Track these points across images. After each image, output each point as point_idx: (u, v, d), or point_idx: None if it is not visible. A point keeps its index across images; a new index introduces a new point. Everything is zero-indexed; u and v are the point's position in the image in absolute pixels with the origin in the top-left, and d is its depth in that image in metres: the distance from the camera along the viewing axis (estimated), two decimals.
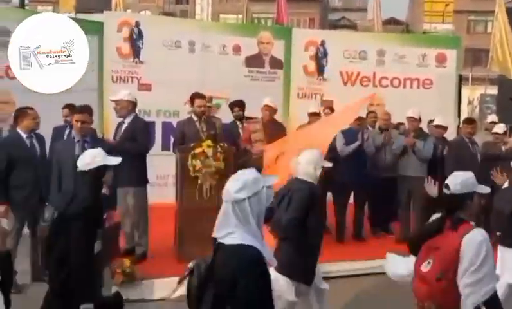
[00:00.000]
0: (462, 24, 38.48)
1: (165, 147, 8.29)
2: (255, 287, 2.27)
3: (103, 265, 3.97)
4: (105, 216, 3.86)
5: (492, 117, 9.02)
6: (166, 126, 8.59)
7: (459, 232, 2.95)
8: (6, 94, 6.89)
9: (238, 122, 7.41)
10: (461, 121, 8.56)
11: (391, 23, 39.65)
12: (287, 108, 9.41)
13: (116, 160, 3.65)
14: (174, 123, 7.50)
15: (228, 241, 2.32)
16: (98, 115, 7.67)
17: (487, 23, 34.52)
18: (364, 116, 7.63)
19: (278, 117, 7.72)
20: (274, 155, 6.20)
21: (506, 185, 4.85)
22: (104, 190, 3.85)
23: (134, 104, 6.25)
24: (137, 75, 8.70)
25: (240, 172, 2.44)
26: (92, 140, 5.46)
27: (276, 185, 2.89)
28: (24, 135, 5.53)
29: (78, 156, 5.15)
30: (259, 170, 2.62)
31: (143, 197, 6.23)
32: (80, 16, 9.41)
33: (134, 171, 5.89)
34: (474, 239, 2.91)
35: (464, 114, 14.98)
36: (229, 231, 2.33)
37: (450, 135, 7.95)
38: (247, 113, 7.48)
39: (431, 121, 7.93)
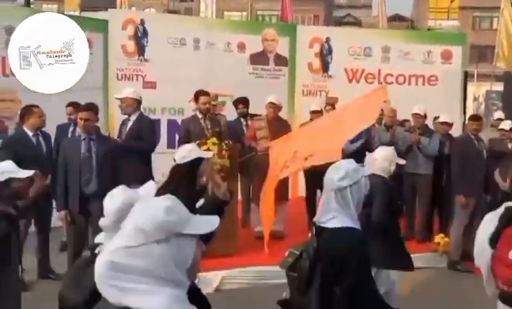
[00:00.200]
0: (468, 20, 38.26)
1: (170, 144, 8.30)
2: (364, 267, 2.46)
3: None
4: None
5: (498, 114, 8.97)
6: (171, 124, 8.60)
7: None
8: (12, 92, 6.91)
9: (242, 119, 7.40)
10: (467, 118, 8.52)
11: (396, 20, 39.52)
12: (292, 105, 9.41)
13: (207, 154, 4.20)
14: (179, 121, 7.51)
15: (332, 224, 2.50)
16: (103, 113, 7.69)
17: (493, 19, 34.32)
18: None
19: (282, 114, 7.70)
20: (279, 152, 6.19)
21: None
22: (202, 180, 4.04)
23: (139, 102, 6.27)
24: (142, 73, 8.71)
25: (341, 161, 2.67)
26: (98, 137, 5.48)
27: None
28: (30, 133, 5.56)
29: (84, 154, 5.25)
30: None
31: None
32: (85, 14, 9.45)
33: (139, 169, 5.90)
34: None
35: (470, 111, 14.92)
36: (331, 216, 2.51)
37: (456, 132, 7.91)
38: (251, 110, 7.47)
39: (436, 118, 7.90)
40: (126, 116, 6.27)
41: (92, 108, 5.60)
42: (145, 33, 8.75)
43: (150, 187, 2.52)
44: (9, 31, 6.53)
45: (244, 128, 7.31)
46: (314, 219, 2.60)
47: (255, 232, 6.77)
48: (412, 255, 4.60)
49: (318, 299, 2.47)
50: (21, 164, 5.37)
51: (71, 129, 6.46)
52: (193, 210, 3.63)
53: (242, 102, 7.45)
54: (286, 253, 2.68)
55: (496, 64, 11.71)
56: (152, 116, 7.55)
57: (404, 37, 10.10)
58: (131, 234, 1.45)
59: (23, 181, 3.78)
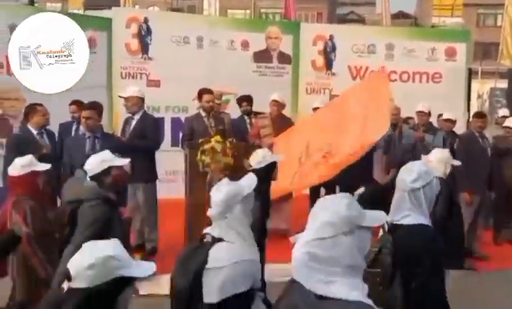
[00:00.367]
0: (472, 17, 38.09)
1: (174, 142, 8.30)
2: (437, 265, 2.55)
3: None
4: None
5: (503, 111, 8.94)
6: (175, 122, 8.60)
7: None
8: (16, 91, 6.93)
9: (246, 117, 7.41)
10: (471, 116, 8.51)
11: (399, 17, 39.35)
12: (296, 103, 9.39)
13: (278, 157, 4.70)
14: (183, 119, 7.51)
15: (406, 221, 2.61)
16: (107, 111, 7.70)
17: (497, 16, 34.16)
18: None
19: (286, 112, 7.71)
20: (286, 146, 6.19)
21: None
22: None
23: (143, 100, 6.28)
24: (146, 71, 8.72)
25: (413, 163, 2.75)
26: (103, 136, 5.49)
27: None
28: (34, 131, 5.57)
29: (89, 152, 5.26)
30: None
31: (153, 193, 6.25)
32: (89, 12, 9.46)
33: (143, 167, 5.92)
34: None
35: (474, 108, 14.88)
36: (404, 214, 2.62)
37: (460, 129, 7.90)
38: (255, 108, 7.48)
39: (440, 115, 7.89)
40: (129, 115, 6.28)
41: (95, 107, 5.61)
42: (149, 31, 8.75)
43: (251, 178, 2.60)
44: (14, 29, 6.53)
45: (248, 126, 7.32)
46: (388, 218, 2.66)
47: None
48: None
49: (402, 293, 2.55)
50: None
51: (74, 127, 6.48)
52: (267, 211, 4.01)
53: (245, 100, 7.45)
54: None
55: (500, 61, 11.69)
56: (156, 115, 7.57)
57: (408, 34, 10.07)
58: (320, 228, 1.67)
59: (119, 169, 3.92)
